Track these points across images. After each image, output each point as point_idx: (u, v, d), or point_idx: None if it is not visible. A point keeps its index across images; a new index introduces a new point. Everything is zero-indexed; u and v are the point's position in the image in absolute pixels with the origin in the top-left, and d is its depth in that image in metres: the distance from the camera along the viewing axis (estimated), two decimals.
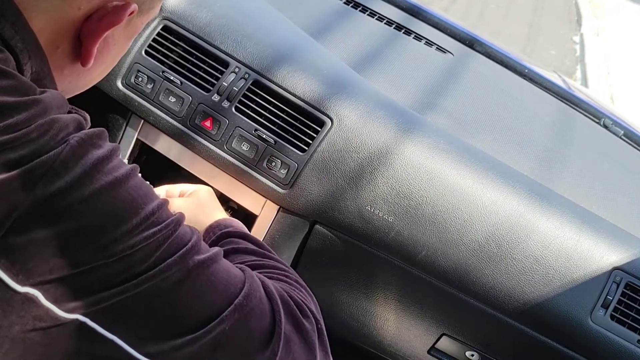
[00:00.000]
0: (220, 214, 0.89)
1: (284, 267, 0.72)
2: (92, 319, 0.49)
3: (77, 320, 0.48)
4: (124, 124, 1.10)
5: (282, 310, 0.58)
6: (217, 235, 0.80)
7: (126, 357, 0.50)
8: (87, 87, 0.66)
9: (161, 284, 0.50)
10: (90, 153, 0.50)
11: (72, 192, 0.48)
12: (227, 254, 0.71)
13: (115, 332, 0.50)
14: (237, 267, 0.59)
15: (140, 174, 0.56)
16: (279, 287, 0.62)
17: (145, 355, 0.51)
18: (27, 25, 0.53)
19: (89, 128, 0.53)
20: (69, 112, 0.54)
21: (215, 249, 0.57)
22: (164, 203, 0.54)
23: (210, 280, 0.54)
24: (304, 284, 0.71)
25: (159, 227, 0.51)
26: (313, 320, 0.62)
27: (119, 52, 0.64)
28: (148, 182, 0.56)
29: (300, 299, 0.63)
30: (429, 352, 1.14)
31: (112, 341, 0.49)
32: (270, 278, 0.65)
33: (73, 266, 0.48)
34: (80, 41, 0.57)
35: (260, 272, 0.66)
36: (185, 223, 0.56)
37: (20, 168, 0.47)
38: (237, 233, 0.80)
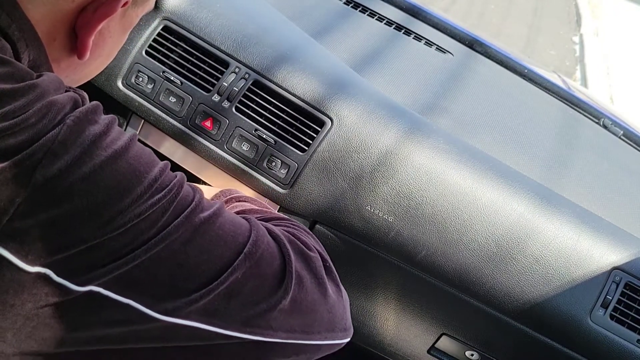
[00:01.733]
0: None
1: (289, 219, 0.74)
2: (105, 288, 0.50)
3: (90, 291, 0.49)
4: (125, 124, 1.11)
5: (290, 250, 0.60)
6: (225, 199, 0.84)
7: (142, 317, 0.51)
8: (85, 81, 0.66)
9: (170, 245, 0.51)
10: (87, 130, 0.50)
11: (73, 171, 0.48)
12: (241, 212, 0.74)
13: (130, 296, 0.51)
14: (241, 217, 0.60)
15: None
16: (284, 231, 0.64)
17: (161, 313, 0.52)
18: (23, 14, 0.53)
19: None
20: (66, 92, 0.54)
21: (218, 202, 0.58)
22: (166, 167, 0.55)
23: (217, 234, 0.55)
24: (310, 231, 0.73)
25: (163, 192, 0.52)
26: (320, 258, 0.64)
27: (116, 45, 0.64)
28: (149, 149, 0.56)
29: (307, 240, 0.65)
30: (428, 351, 1.14)
31: (127, 304, 0.51)
32: (276, 226, 0.67)
33: (82, 243, 0.48)
34: (76, 34, 0.58)
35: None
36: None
37: (20, 154, 0.47)
38: (243, 197, 0.83)
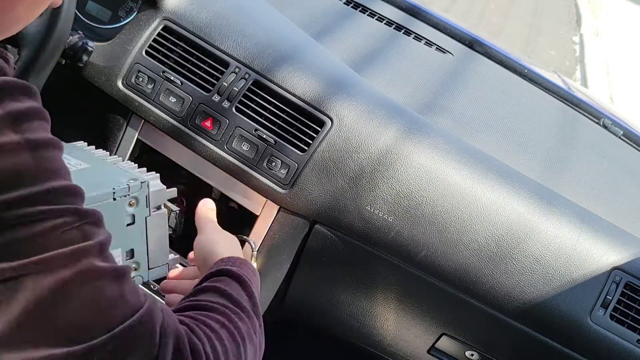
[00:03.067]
0: (235, 249, 0.81)
1: (245, 319, 0.62)
2: None
3: None
4: (125, 124, 1.11)
5: (169, 351, 0.50)
6: (216, 269, 0.70)
7: None
8: (15, 27, 0.56)
9: (42, 277, 0.45)
10: (4, 103, 0.45)
11: None
12: (204, 290, 0.65)
13: None
14: (141, 295, 0.51)
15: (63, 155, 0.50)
16: (187, 330, 0.54)
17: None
18: None
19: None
20: None
21: (126, 266, 0.51)
22: (78, 192, 0.49)
23: (96, 295, 0.47)
24: (255, 336, 0.62)
25: (59, 206, 0.46)
26: None
27: None
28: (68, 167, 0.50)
29: (212, 347, 0.55)
30: (428, 351, 1.14)
31: None
32: (207, 323, 0.57)
33: None
34: None
35: (201, 314, 0.59)
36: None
37: None
38: (235, 274, 0.69)
